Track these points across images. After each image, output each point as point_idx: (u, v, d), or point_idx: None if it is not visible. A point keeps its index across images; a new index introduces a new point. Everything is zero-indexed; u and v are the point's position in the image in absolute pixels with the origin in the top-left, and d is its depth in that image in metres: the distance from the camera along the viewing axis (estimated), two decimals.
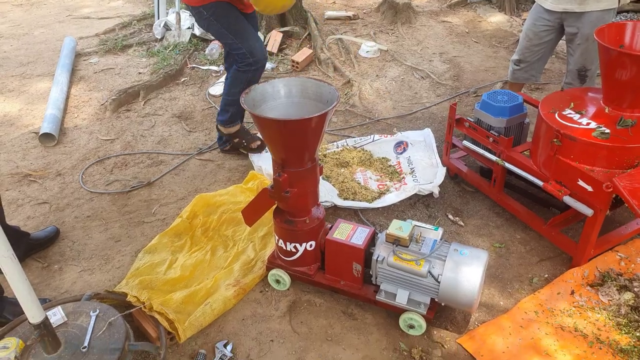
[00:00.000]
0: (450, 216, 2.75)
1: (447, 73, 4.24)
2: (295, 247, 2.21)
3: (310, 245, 2.22)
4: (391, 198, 2.81)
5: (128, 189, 3.02)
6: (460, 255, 2.01)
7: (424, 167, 3.05)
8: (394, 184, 2.97)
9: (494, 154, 2.64)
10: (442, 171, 2.91)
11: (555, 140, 2.23)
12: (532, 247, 2.54)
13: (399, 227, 2.08)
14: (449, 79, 4.16)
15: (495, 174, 2.66)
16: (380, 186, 2.96)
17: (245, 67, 2.83)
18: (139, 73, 4.33)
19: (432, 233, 2.12)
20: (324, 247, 2.22)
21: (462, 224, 2.70)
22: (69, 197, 2.98)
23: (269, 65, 4.26)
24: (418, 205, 2.84)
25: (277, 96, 2.08)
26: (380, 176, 3.06)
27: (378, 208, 2.78)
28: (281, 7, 2.68)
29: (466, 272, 1.96)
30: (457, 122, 2.83)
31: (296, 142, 1.92)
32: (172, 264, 2.45)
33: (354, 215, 2.76)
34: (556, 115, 2.32)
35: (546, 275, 2.38)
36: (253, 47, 2.79)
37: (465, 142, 2.79)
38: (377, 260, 2.08)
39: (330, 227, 2.26)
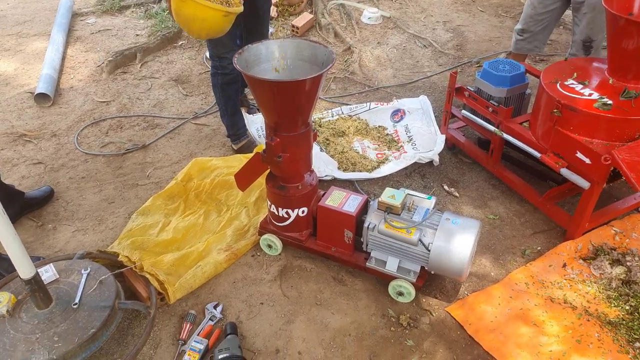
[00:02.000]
0: (446, 187, 2.73)
1: (450, 42, 4.15)
2: (287, 212, 2.20)
3: (303, 212, 2.21)
4: (391, 167, 2.79)
5: (123, 152, 3.00)
6: (452, 224, 1.99)
7: (422, 135, 3.01)
8: (393, 153, 2.94)
9: (493, 124, 2.60)
10: (441, 139, 2.87)
11: (555, 110, 2.18)
12: (527, 220, 2.53)
13: (391, 195, 2.06)
14: (451, 48, 4.07)
15: (493, 145, 2.63)
16: (379, 155, 2.93)
17: (213, 70, 2.67)
18: (137, 35, 4.26)
19: (425, 202, 2.10)
20: (316, 213, 2.21)
21: (457, 194, 2.68)
22: (64, 158, 2.96)
23: None
24: (414, 175, 2.81)
25: (271, 57, 2.03)
26: (378, 145, 3.03)
27: (376, 179, 2.76)
28: (197, 32, 1.98)
29: (457, 241, 1.95)
30: (457, 91, 2.78)
31: (289, 105, 1.88)
32: (165, 227, 2.45)
33: (350, 185, 2.74)
34: (558, 85, 2.27)
35: (539, 248, 2.37)
36: (221, 56, 2.58)
37: (465, 112, 2.74)
38: (368, 227, 2.07)
39: (323, 194, 2.24)
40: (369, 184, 2.75)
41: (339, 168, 2.82)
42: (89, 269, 1.98)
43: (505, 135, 2.50)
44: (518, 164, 2.78)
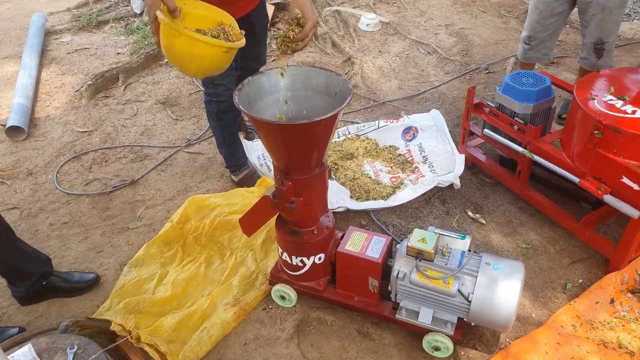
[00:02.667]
0: (470, 213, 2.48)
1: (454, 47, 3.90)
2: (301, 261, 1.94)
3: (319, 259, 1.95)
4: (408, 193, 2.53)
5: (109, 189, 2.71)
6: (493, 270, 1.75)
7: (438, 154, 2.76)
8: (408, 175, 2.69)
9: (519, 144, 2.35)
10: (461, 159, 2.62)
11: (596, 132, 1.94)
12: (562, 247, 2.29)
13: (421, 239, 1.80)
14: (457, 53, 3.83)
15: (521, 167, 2.38)
16: (393, 179, 2.68)
17: (207, 97, 2.40)
18: (118, 53, 3.95)
19: (459, 243, 1.85)
20: (334, 259, 1.95)
21: (483, 221, 2.44)
22: (43, 201, 2.66)
23: None
24: (434, 201, 2.56)
25: (275, 89, 1.76)
26: (391, 167, 2.77)
27: (393, 207, 2.50)
28: (194, 71, 1.60)
29: (502, 289, 1.70)
30: (476, 107, 2.54)
31: (302, 147, 1.62)
32: (162, 279, 2.17)
33: (365, 215, 2.48)
34: (595, 102, 2.02)
35: (580, 280, 2.13)
36: (215, 83, 2.30)
37: (487, 131, 2.49)
38: (397, 276, 1.81)
39: (342, 237, 1.98)
40: (385, 213, 2.50)
41: (351, 197, 2.56)
42: (75, 347, 1.69)
43: (536, 157, 2.25)
44: (544, 183, 2.54)
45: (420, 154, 2.81)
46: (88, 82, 3.46)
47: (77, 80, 3.63)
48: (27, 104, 3.27)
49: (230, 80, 2.35)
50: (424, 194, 2.54)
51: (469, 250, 1.85)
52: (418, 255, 1.79)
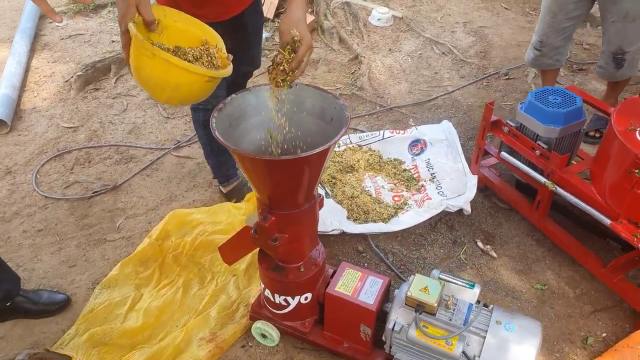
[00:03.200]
0: (480, 243, 2.24)
1: (472, 48, 3.61)
2: (285, 300, 1.72)
3: (306, 298, 1.73)
4: (411, 217, 2.29)
5: (90, 194, 2.50)
6: (505, 331, 1.51)
7: (447, 172, 2.51)
8: (413, 195, 2.45)
9: (540, 172, 2.10)
10: (473, 182, 2.37)
11: (636, 171, 1.68)
12: (583, 291, 2.05)
13: (423, 288, 1.57)
14: (474, 55, 3.53)
15: (541, 197, 2.13)
16: (396, 198, 2.44)
17: (193, 104, 2.13)
18: (112, 41, 3.71)
19: (466, 293, 1.62)
20: (323, 299, 1.73)
21: (494, 254, 2.20)
22: (19, 204, 2.47)
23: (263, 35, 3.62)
24: (440, 226, 2.32)
25: (262, 108, 1.52)
26: (395, 184, 2.53)
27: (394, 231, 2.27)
28: (167, 99, 1.34)
29: (513, 356, 1.47)
30: (494, 126, 2.27)
31: (289, 183, 1.39)
32: (135, 304, 1.97)
33: (362, 240, 2.25)
34: (637, 134, 1.76)
35: (604, 334, 1.90)
36: None
37: (505, 155, 2.23)
38: (392, 329, 1.59)
39: (333, 274, 1.76)
40: (385, 238, 2.27)
41: (348, 217, 2.33)
42: None
43: (559, 190, 2.00)
44: (566, 212, 2.29)
45: (428, 170, 2.56)
46: (78, 73, 3.23)
47: (68, 69, 3.40)
48: (13, 94, 3.05)
49: (219, 86, 2.11)
50: (430, 218, 2.30)
51: (478, 302, 1.62)
52: (418, 307, 1.56)
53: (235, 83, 2.36)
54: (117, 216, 2.40)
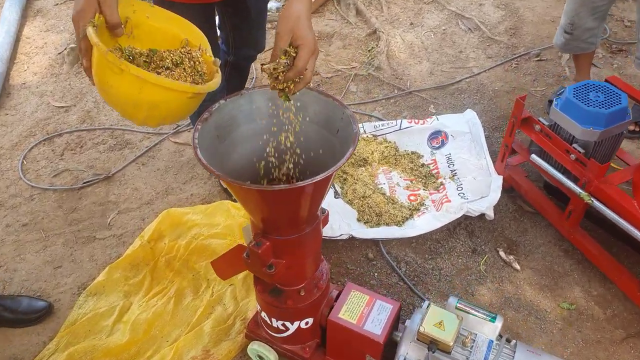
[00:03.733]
0: (502, 253, 2.03)
1: (501, 24, 3.28)
2: (284, 325, 1.55)
3: (306, 323, 1.55)
4: (428, 221, 2.08)
5: (80, 185, 2.33)
6: None
7: (469, 170, 2.27)
8: (430, 194, 2.23)
9: (575, 180, 1.86)
10: (497, 183, 2.14)
11: None
12: (615, 312, 1.84)
13: (438, 323, 1.38)
14: (503, 32, 3.21)
15: (573, 207, 1.90)
16: (412, 197, 2.22)
17: None
18: None
19: (487, 327, 1.43)
20: (325, 324, 1.55)
21: (517, 267, 1.99)
22: (3, 194, 2.31)
23: (274, 5, 3.34)
24: (458, 231, 2.12)
25: (257, 115, 1.30)
26: (411, 180, 2.30)
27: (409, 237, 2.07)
28: (142, 121, 1.11)
29: None
30: (524, 123, 2.02)
31: (286, 211, 1.19)
32: (123, 315, 1.82)
33: (373, 245, 2.06)
34: None
35: None
36: None
37: (535, 157, 1.99)
38: None
39: (337, 296, 1.57)
40: (399, 244, 2.07)
41: (358, 219, 2.13)
42: None
43: (596, 203, 1.76)
44: (599, 221, 2.05)
45: (448, 167, 2.33)
46: (71, 45, 3.01)
47: (61, 39, 3.17)
48: (1, 68, 2.85)
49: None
50: (448, 223, 2.09)
51: (500, 337, 1.43)
52: (432, 344, 1.38)
53: (237, 67, 2.13)
54: (108, 210, 2.23)
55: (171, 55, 1.10)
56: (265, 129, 1.31)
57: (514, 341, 1.44)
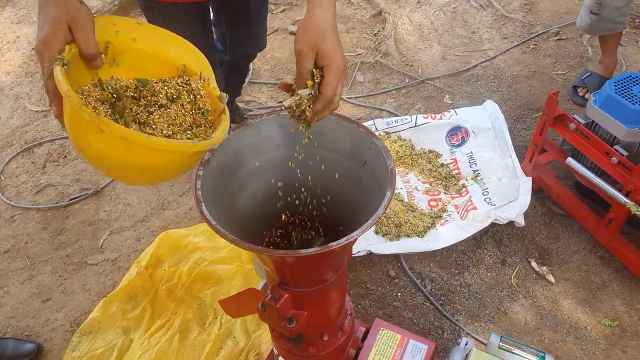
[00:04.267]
0: (535, 264, 1.86)
1: (516, 0, 3.03)
2: None
3: None
4: (453, 232, 1.90)
5: (66, 202, 2.12)
6: None
7: (494, 170, 2.08)
8: (452, 198, 2.04)
9: (617, 186, 1.67)
10: (526, 185, 1.95)
11: None
12: None
13: None
14: (518, 9, 2.97)
15: (614, 215, 1.72)
16: (433, 202, 2.03)
17: None
18: None
19: None
20: None
21: (551, 279, 1.82)
22: None
23: None
24: (486, 241, 1.94)
25: (267, 145, 1.09)
26: (430, 183, 2.11)
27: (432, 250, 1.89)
28: (133, 181, 0.94)
29: None
30: (557, 121, 1.82)
31: (311, 271, 0.99)
32: (123, 356, 1.65)
33: (394, 261, 1.88)
34: None
35: None
36: None
37: (572, 161, 1.79)
38: None
39: (365, 334, 1.40)
40: (421, 258, 1.89)
41: (376, 232, 1.94)
42: None
43: None
44: (636, 225, 1.88)
45: (470, 166, 2.13)
46: None
47: (35, 32, 2.88)
48: None
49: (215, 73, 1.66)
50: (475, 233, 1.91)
51: None
52: None
53: (235, 67, 1.90)
54: (99, 230, 2.03)
55: (165, 88, 0.88)
56: (278, 161, 1.11)
57: None
